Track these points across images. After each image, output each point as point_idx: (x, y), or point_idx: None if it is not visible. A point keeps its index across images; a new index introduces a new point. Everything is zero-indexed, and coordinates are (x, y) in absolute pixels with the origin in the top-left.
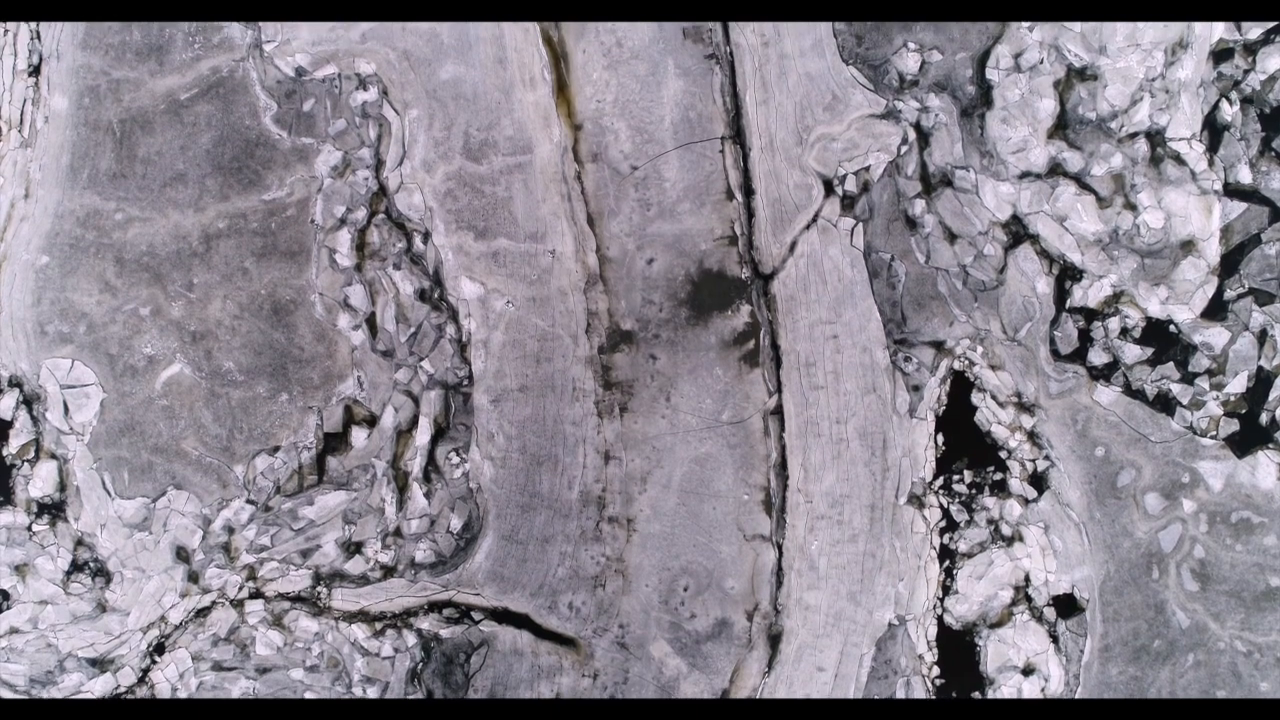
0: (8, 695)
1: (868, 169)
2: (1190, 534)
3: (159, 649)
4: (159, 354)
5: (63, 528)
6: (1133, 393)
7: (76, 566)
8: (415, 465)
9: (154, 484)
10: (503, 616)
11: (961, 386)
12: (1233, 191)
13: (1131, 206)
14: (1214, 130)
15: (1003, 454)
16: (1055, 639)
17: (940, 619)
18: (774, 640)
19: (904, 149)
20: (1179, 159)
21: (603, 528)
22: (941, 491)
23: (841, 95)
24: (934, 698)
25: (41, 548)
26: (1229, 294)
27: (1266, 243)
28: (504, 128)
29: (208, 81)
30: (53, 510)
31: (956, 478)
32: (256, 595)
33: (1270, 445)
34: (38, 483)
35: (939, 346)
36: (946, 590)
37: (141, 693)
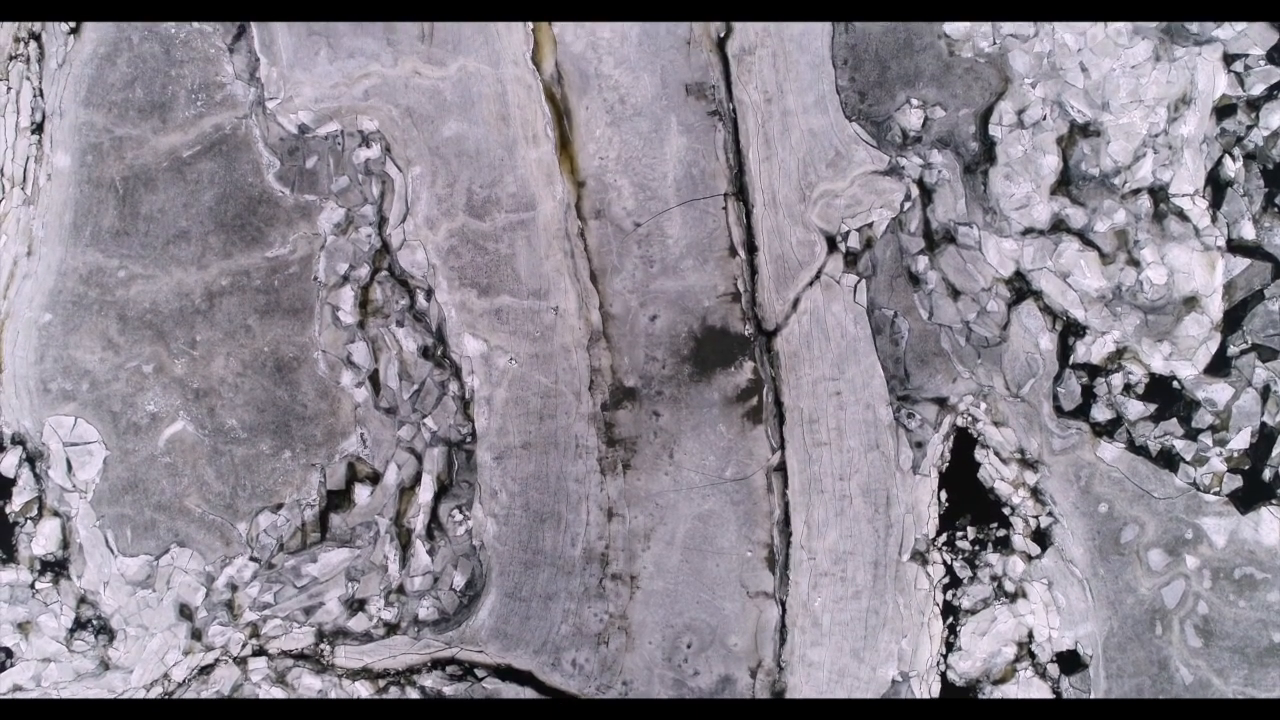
0: None
1: (871, 225)
2: (1194, 590)
3: None
4: (162, 411)
5: (66, 585)
6: (1136, 449)
7: (79, 624)
8: (418, 522)
9: (157, 541)
10: (506, 674)
11: (965, 443)
12: (1236, 247)
13: (1134, 262)
14: (1217, 186)
15: (1006, 510)
16: (1059, 695)
17: (943, 675)
18: (777, 697)
19: (907, 205)
20: (1182, 215)
21: (606, 585)
22: (945, 548)
23: (844, 152)
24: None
25: (44, 605)
26: (1232, 350)
27: (1270, 298)
28: (507, 184)
29: (210, 139)
30: (56, 568)
31: (960, 534)
32: (260, 652)
33: (1273, 501)
34: (40, 540)
35: (942, 403)
36: (950, 647)
37: None
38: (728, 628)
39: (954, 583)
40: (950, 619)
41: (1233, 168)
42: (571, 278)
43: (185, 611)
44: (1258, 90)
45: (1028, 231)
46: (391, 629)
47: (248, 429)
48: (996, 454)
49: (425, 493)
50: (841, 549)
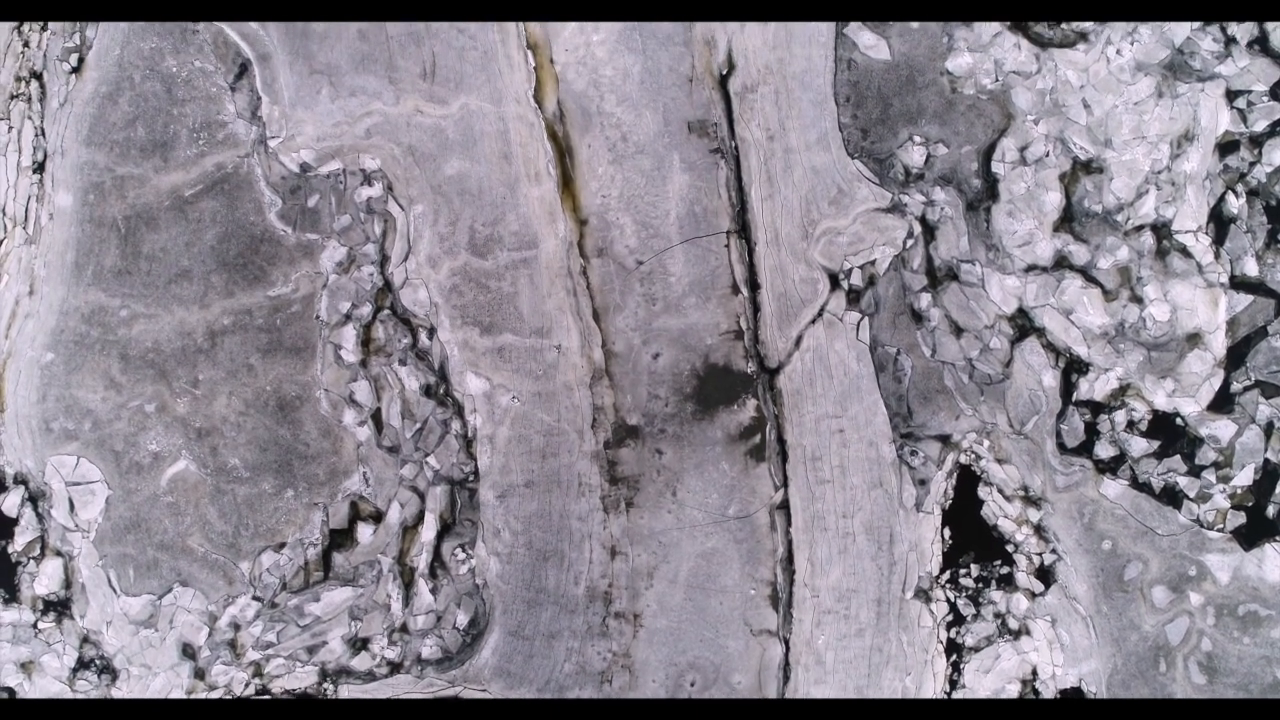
0: None
1: (873, 263)
2: (1197, 627)
3: None
4: (164, 450)
5: (68, 625)
6: (1139, 486)
7: (82, 664)
8: (421, 561)
9: (160, 581)
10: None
11: (968, 480)
12: (1239, 284)
13: (1137, 299)
14: (1220, 223)
15: (1009, 547)
16: None
17: None
18: None
19: (910, 243)
20: (1185, 251)
21: (609, 623)
22: (948, 585)
23: (847, 189)
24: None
25: (47, 645)
26: (1235, 387)
27: (1273, 335)
28: (509, 223)
29: (212, 178)
30: (58, 607)
31: (963, 571)
32: (263, 692)
33: (1277, 538)
34: (43, 580)
35: (945, 440)
36: (954, 684)
37: None
38: (731, 666)
39: (958, 620)
40: (954, 656)
41: (1236, 204)
42: (574, 316)
43: (188, 651)
44: (1260, 126)
45: (1030, 268)
46: (395, 668)
47: (250, 468)
48: (1000, 491)
49: (428, 531)
50: (845, 587)
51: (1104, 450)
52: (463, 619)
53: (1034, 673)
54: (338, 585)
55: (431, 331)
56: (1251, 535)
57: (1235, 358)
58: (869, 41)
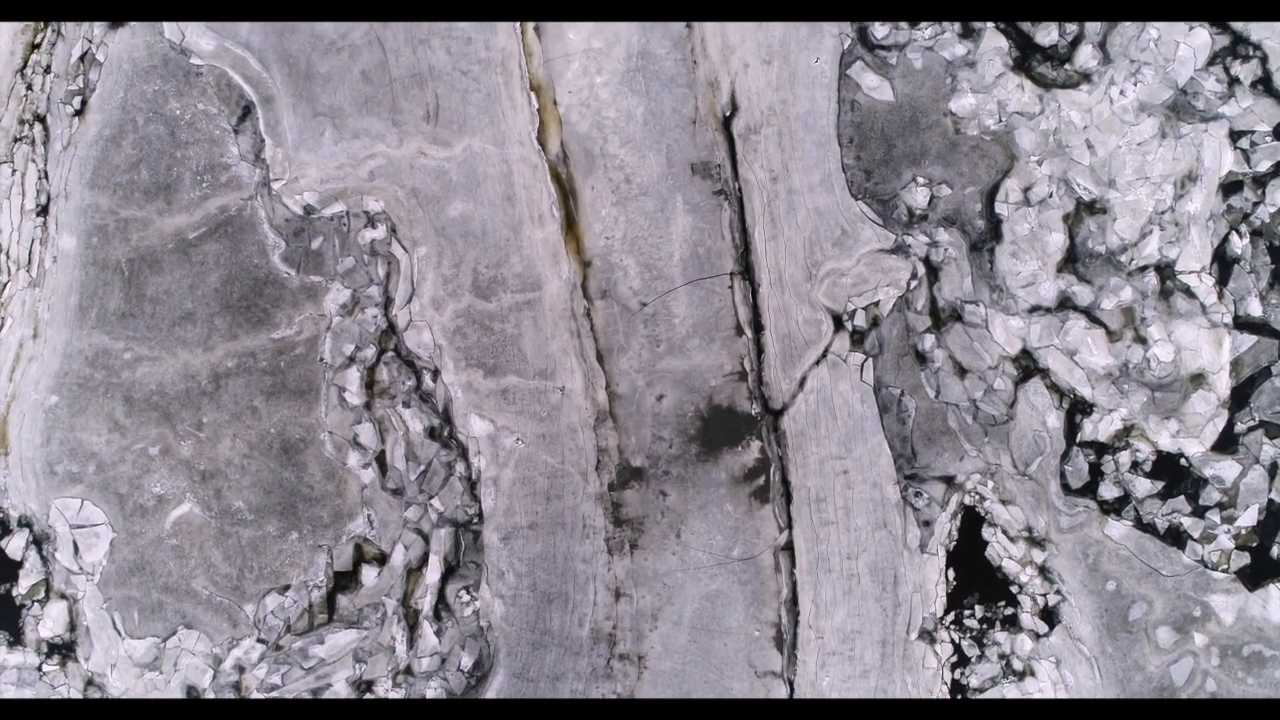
0: None
1: (877, 304)
2: (1202, 668)
3: None
4: (168, 493)
5: (73, 668)
6: (1144, 526)
7: None
8: (426, 603)
9: (164, 623)
10: None
11: (972, 521)
12: (1243, 324)
13: (1141, 340)
14: (1223, 263)
15: (1014, 588)
16: None
17: None
18: None
19: (913, 284)
20: (1189, 292)
21: (614, 665)
22: (953, 626)
23: (850, 230)
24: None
25: (52, 688)
26: (1239, 427)
27: (1277, 375)
28: (513, 265)
29: (216, 220)
30: (63, 650)
31: (968, 613)
32: None
33: None
34: (48, 623)
35: (949, 481)
36: None
37: None
38: None
39: (962, 661)
40: (959, 698)
41: (1239, 244)
42: (578, 358)
43: (193, 693)
44: (1264, 166)
45: (1034, 309)
46: None
47: (254, 510)
48: (1004, 532)
49: (432, 573)
50: (849, 628)
51: (1108, 491)
52: (467, 661)
53: None
54: (342, 627)
55: (435, 373)
56: (1256, 576)
57: (1239, 398)
58: (872, 83)
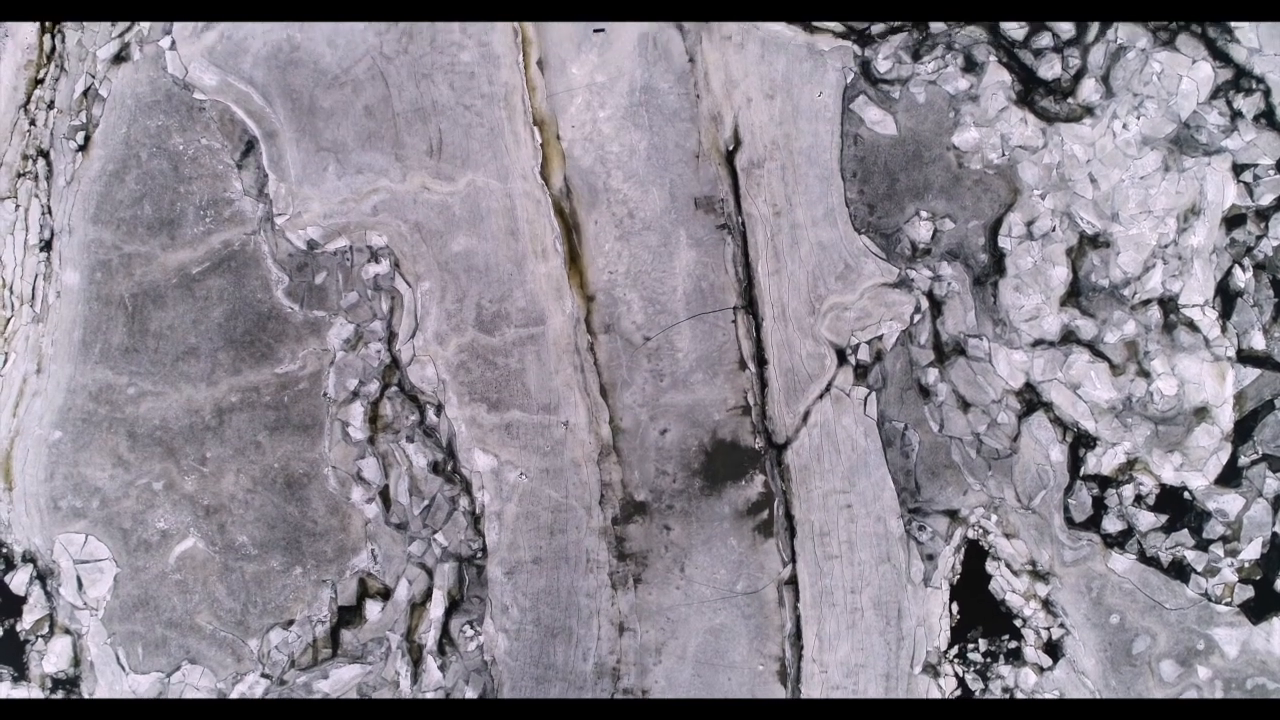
0: None
1: (880, 338)
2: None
3: None
4: (172, 528)
5: None
6: (1147, 560)
7: None
8: (429, 638)
9: (168, 658)
10: None
11: (976, 555)
12: (1246, 358)
13: (1145, 373)
14: (1227, 296)
15: (1018, 622)
16: None
17: None
18: None
19: (917, 318)
20: (1192, 325)
21: (617, 700)
22: (956, 660)
23: (854, 264)
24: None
25: None
26: (1243, 460)
27: None
28: (516, 299)
29: (219, 255)
30: (67, 686)
31: (971, 646)
32: None
33: None
34: (52, 658)
35: (953, 515)
36: None
37: None
38: None
39: (966, 695)
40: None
41: (1242, 278)
42: (581, 392)
43: None
44: (1267, 200)
45: (1038, 343)
46: None
47: (258, 545)
48: (1008, 566)
49: (436, 608)
50: (853, 662)
51: (1112, 525)
52: (471, 696)
53: None
54: (346, 662)
55: (439, 408)
56: (1259, 609)
57: (1243, 431)
58: (875, 117)
